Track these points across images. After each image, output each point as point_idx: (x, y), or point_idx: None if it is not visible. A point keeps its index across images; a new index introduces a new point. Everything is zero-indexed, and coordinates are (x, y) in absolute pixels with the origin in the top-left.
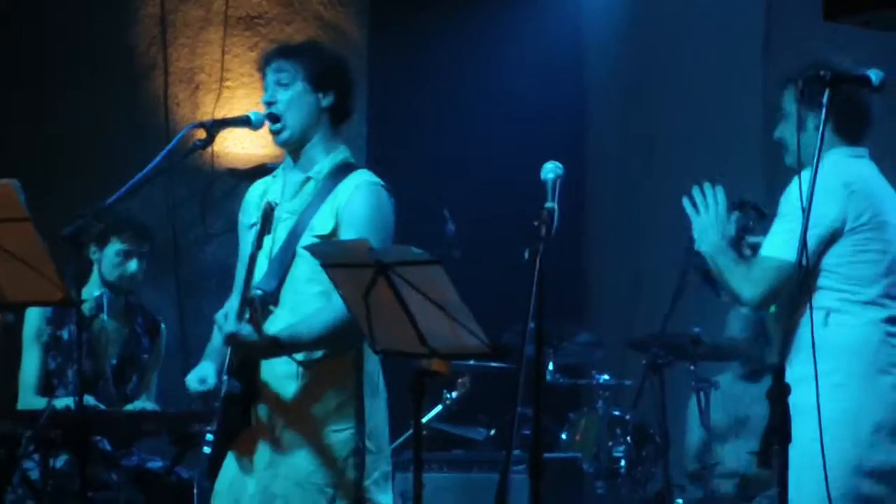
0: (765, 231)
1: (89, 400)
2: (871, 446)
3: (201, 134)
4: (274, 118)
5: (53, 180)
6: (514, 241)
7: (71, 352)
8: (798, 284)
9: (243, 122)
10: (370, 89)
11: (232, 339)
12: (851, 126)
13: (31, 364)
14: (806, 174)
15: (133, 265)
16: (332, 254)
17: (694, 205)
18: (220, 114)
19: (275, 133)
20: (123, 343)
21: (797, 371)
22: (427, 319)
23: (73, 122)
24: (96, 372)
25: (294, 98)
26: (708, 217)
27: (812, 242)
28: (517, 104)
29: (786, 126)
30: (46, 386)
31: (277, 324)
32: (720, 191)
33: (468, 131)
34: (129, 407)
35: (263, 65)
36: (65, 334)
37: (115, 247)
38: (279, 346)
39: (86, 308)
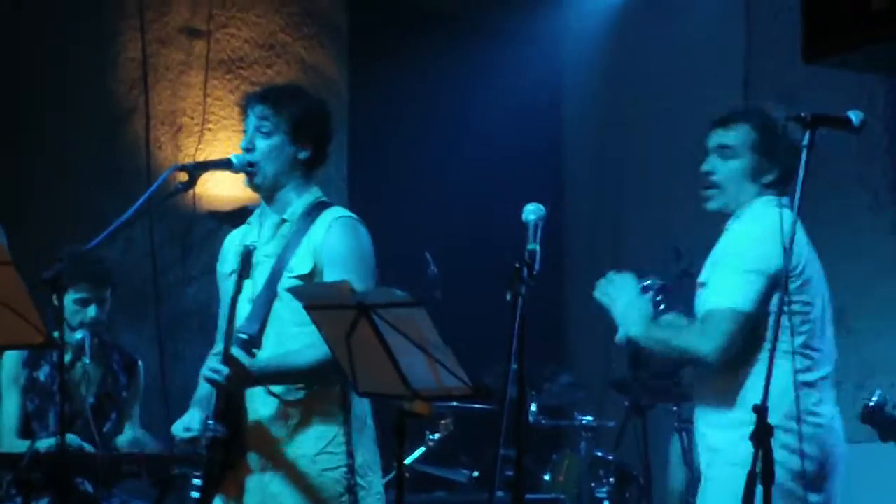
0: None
1: (74, 439)
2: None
3: (183, 176)
4: (249, 164)
5: (33, 224)
6: (495, 282)
7: (48, 393)
8: (777, 325)
9: (225, 164)
10: (351, 130)
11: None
12: (787, 178)
13: (10, 408)
14: (747, 224)
15: (92, 311)
16: (314, 296)
17: (605, 294)
18: (202, 156)
19: (248, 175)
20: (100, 382)
21: (736, 415)
22: (409, 361)
23: (54, 165)
24: (73, 412)
25: (273, 148)
26: (622, 301)
27: (760, 287)
28: (497, 144)
29: (726, 164)
30: (27, 428)
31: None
32: (627, 275)
33: (449, 171)
34: (121, 438)
35: (246, 106)
36: (41, 375)
37: (71, 296)
38: (266, 376)
39: (67, 350)
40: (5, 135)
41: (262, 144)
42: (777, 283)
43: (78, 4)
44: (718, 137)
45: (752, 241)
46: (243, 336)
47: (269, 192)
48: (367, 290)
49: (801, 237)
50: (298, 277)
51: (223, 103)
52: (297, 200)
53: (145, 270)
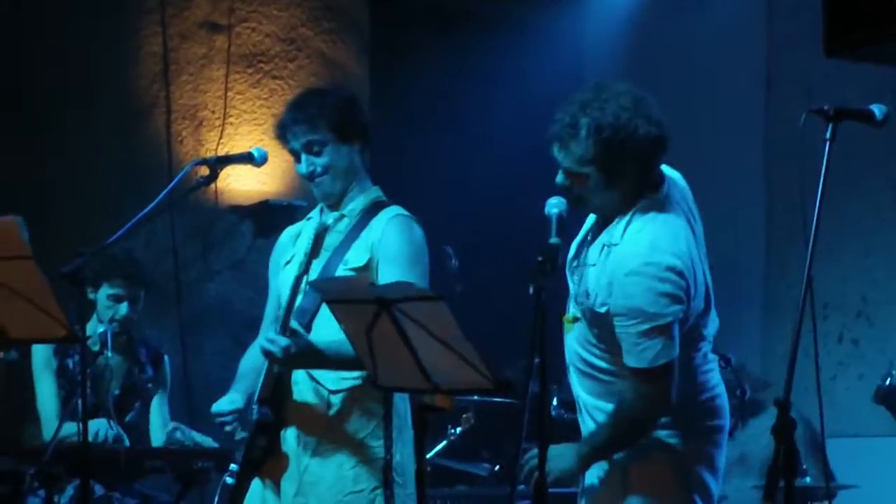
0: None
1: (102, 423)
2: None
3: (204, 171)
4: (314, 175)
5: (55, 218)
6: (517, 276)
7: (76, 382)
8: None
9: (246, 158)
10: (372, 125)
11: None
12: (644, 174)
13: (47, 392)
14: (638, 272)
15: (123, 309)
16: (334, 290)
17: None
18: (223, 150)
19: (318, 187)
20: (125, 375)
21: None
22: (430, 355)
23: (75, 160)
24: (96, 404)
25: (331, 159)
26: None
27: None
28: (520, 139)
29: (578, 181)
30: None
31: None
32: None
33: (470, 166)
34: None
35: (284, 134)
36: (70, 363)
37: (105, 290)
38: (322, 356)
39: (90, 344)
40: (26, 131)
41: (320, 161)
42: (686, 318)
43: (99, 0)
44: (560, 157)
45: (653, 296)
46: (295, 323)
47: (338, 199)
48: (388, 284)
49: (692, 253)
50: (354, 270)
51: (244, 97)
52: (358, 198)
53: (167, 266)
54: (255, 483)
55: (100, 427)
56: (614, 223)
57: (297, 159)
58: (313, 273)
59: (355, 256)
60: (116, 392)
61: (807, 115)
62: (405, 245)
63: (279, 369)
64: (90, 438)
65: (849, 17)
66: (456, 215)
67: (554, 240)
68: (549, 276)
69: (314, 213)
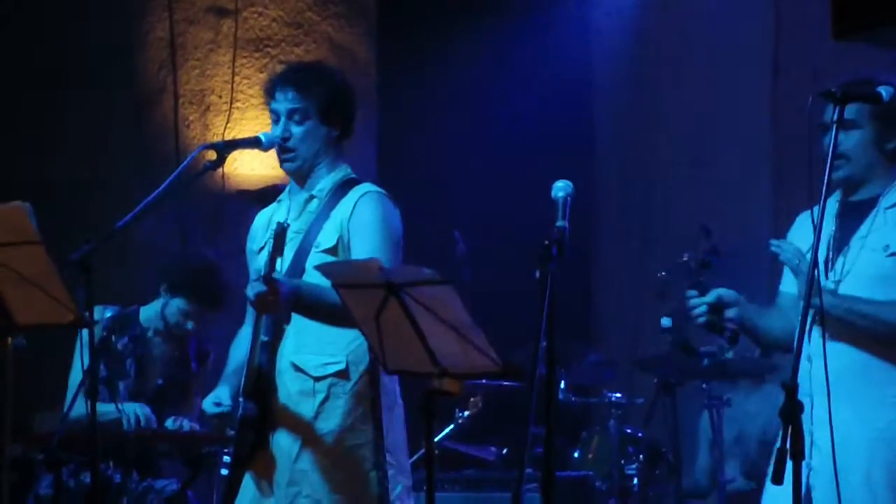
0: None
1: (142, 408)
2: None
3: (211, 155)
4: (288, 151)
5: (62, 204)
6: (524, 260)
7: (121, 363)
8: (805, 306)
9: (253, 143)
10: (379, 110)
11: (271, 284)
12: None
13: (79, 368)
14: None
15: (189, 325)
16: (343, 274)
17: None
18: (230, 135)
19: (285, 161)
20: (171, 364)
21: None
22: (438, 339)
23: (83, 145)
24: (139, 390)
25: (308, 133)
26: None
27: None
28: (527, 123)
29: (848, 136)
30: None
31: (289, 343)
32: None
33: (478, 151)
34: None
35: (272, 90)
36: (118, 345)
37: (180, 303)
38: (303, 293)
39: (98, 329)
40: (34, 116)
41: (297, 131)
42: None
43: None
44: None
45: None
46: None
47: (305, 174)
48: (396, 269)
49: None
50: (325, 251)
51: (251, 82)
52: (326, 177)
53: (175, 250)
54: (249, 475)
55: (134, 409)
56: (892, 189)
57: (276, 120)
58: (277, 268)
59: (326, 238)
60: (160, 381)
61: (814, 98)
62: (376, 218)
63: (260, 360)
64: (124, 421)
65: (856, 0)
66: (464, 200)
67: (560, 223)
68: (555, 261)
69: (284, 196)
